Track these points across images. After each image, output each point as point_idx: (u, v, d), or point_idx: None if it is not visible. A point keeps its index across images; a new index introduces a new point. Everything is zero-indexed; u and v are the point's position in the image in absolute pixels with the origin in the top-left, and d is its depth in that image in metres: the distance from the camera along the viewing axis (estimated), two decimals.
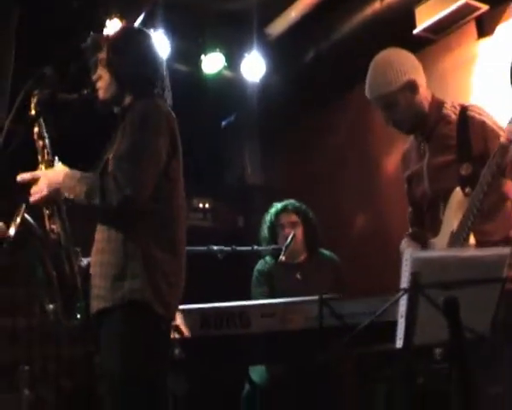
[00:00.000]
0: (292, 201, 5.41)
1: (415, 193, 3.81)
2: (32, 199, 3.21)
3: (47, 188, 3.18)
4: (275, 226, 5.30)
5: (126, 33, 3.61)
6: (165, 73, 3.45)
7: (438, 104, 3.71)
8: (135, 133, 3.12)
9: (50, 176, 3.22)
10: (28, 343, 7.05)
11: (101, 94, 3.37)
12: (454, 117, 3.63)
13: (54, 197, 3.22)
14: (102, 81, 3.36)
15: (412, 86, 3.63)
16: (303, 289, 4.70)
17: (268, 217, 5.39)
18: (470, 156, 3.49)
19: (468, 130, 3.55)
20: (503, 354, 3.26)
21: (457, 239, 3.41)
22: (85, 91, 3.39)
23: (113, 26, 5.84)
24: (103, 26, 5.84)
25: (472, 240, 3.38)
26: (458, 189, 3.48)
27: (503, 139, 3.25)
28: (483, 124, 3.51)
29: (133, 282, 3.04)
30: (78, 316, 3.20)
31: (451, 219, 3.49)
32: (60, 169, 3.23)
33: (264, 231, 5.35)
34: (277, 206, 5.40)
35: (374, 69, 3.72)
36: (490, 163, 3.28)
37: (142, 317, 3.06)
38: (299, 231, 5.22)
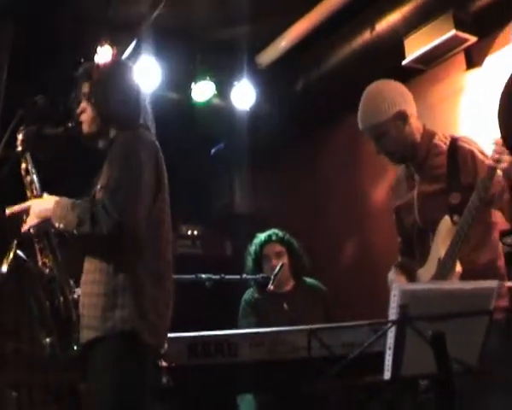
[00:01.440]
0: (275, 230, 5.36)
1: (405, 224, 3.83)
2: (22, 228, 3.23)
3: (36, 217, 3.20)
4: (259, 258, 5.26)
5: (108, 68, 3.58)
6: (147, 105, 3.48)
7: (429, 135, 3.74)
8: (122, 164, 3.14)
9: (40, 205, 3.23)
10: (16, 369, 7.02)
11: (84, 128, 3.38)
12: (444, 147, 3.66)
13: (44, 226, 3.23)
14: (86, 115, 3.37)
15: (403, 116, 3.66)
16: (290, 319, 4.71)
17: (252, 248, 5.34)
18: (459, 186, 3.52)
19: (458, 160, 3.58)
20: (495, 383, 3.27)
21: (444, 266, 3.44)
22: (70, 125, 3.39)
23: (103, 53, 5.87)
24: (94, 52, 5.86)
25: (458, 267, 3.41)
26: (447, 217, 3.51)
27: (489, 161, 3.29)
28: (472, 154, 3.54)
29: (123, 311, 3.04)
30: (75, 347, 3.19)
31: (439, 246, 3.52)
32: (50, 198, 3.25)
33: (249, 262, 5.30)
34: (261, 237, 5.36)
35: (365, 100, 3.76)
36: (478, 186, 3.32)
37: (132, 347, 3.05)
38: (285, 260, 5.17)
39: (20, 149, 3.35)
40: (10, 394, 6.07)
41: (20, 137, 3.35)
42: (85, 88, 3.39)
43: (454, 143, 3.65)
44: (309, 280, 5.32)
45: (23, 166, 3.36)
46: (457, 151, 3.61)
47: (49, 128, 3.40)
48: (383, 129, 3.66)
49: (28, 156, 3.38)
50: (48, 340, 3.19)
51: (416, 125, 3.72)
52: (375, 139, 3.71)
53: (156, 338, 3.13)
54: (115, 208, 3.00)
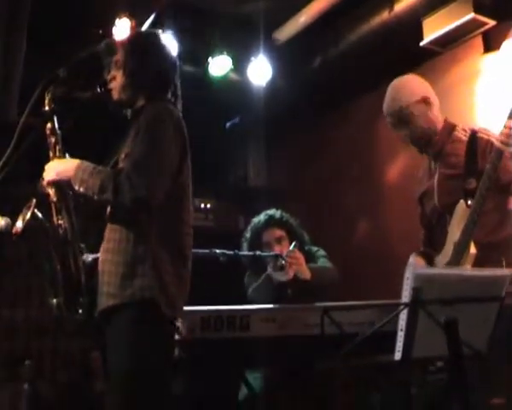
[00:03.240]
0: (271, 213, 5.01)
1: (426, 211, 3.91)
2: (41, 183, 3.28)
3: (56, 174, 3.25)
4: (258, 245, 4.84)
5: (144, 37, 3.64)
6: (177, 77, 3.49)
7: (450, 126, 3.87)
8: (149, 136, 3.16)
9: (61, 164, 3.28)
10: (26, 336, 7.09)
11: (115, 94, 3.40)
12: (464, 138, 3.78)
13: (63, 186, 3.27)
14: (116, 82, 3.39)
15: (427, 101, 3.82)
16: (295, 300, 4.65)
17: (249, 235, 4.98)
18: (476, 172, 3.60)
19: (477, 148, 3.69)
20: (504, 367, 3.32)
21: (459, 249, 3.52)
22: (99, 90, 3.42)
23: (122, 26, 5.88)
24: (112, 24, 5.87)
25: (473, 249, 3.49)
26: (462, 201, 3.58)
27: (497, 143, 3.35)
28: (491, 144, 3.59)
29: (143, 280, 3.08)
30: (80, 311, 3.22)
31: (455, 230, 3.61)
32: (71, 161, 3.28)
33: (246, 248, 4.92)
34: (258, 222, 4.99)
35: (391, 88, 3.93)
36: (487, 169, 3.44)
37: (151, 316, 3.10)
38: (286, 246, 4.82)
39: (47, 108, 3.37)
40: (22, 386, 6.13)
41: (48, 96, 3.35)
42: (117, 57, 3.40)
43: (474, 134, 3.76)
44: (314, 249, 5.00)
45: (48, 125, 3.37)
46: (477, 141, 3.71)
47: (77, 92, 3.42)
48: (408, 112, 3.78)
49: (54, 117, 3.39)
50: (55, 301, 3.22)
51: (437, 115, 3.86)
52: (401, 124, 3.80)
53: (173, 310, 3.16)
54: (140, 182, 3.03)
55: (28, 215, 3.18)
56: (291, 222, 4.99)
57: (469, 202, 3.54)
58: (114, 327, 3.13)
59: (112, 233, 3.24)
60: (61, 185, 3.28)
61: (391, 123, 3.89)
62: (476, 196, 3.47)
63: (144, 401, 3.06)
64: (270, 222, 4.96)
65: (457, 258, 3.52)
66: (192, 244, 3.37)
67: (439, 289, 2.64)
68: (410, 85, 3.89)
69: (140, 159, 3.11)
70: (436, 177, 3.83)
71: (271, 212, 5.02)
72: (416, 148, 3.95)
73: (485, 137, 3.69)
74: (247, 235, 5.00)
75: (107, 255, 3.22)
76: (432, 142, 3.84)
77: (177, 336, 3.61)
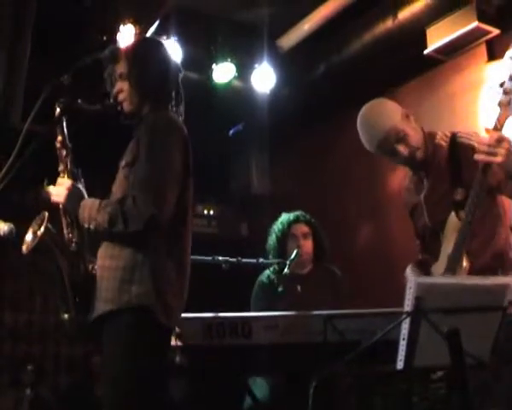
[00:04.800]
0: (302, 212, 5.38)
1: (418, 225, 3.87)
2: (52, 198, 3.29)
3: (63, 203, 3.26)
4: (286, 236, 5.23)
5: (147, 44, 3.63)
6: (181, 86, 3.50)
7: (430, 135, 3.78)
8: (152, 151, 3.16)
9: (69, 200, 3.26)
10: (28, 340, 7.12)
11: (126, 106, 3.39)
12: (445, 145, 3.70)
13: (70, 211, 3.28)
14: (124, 94, 3.38)
15: (408, 115, 3.74)
16: (301, 302, 4.75)
17: (279, 226, 5.31)
18: (463, 182, 3.54)
19: (460, 156, 3.62)
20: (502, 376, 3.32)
21: (453, 261, 3.46)
22: (107, 102, 3.42)
23: (126, 32, 5.89)
24: (116, 31, 5.89)
25: (465, 262, 3.44)
26: (453, 214, 3.54)
27: (482, 157, 3.28)
28: (472, 149, 3.51)
29: (140, 287, 3.09)
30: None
31: (449, 243, 3.54)
32: (76, 197, 3.27)
33: (273, 240, 5.27)
34: (288, 216, 5.33)
35: (368, 118, 3.83)
36: (474, 185, 3.33)
37: (146, 323, 3.10)
38: (309, 243, 5.22)
39: (57, 120, 3.35)
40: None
41: (57, 108, 3.35)
42: (120, 68, 3.40)
43: (454, 139, 3.69)
44: (326, 265, 5.30)
45: (59, 138, 3.36)
46: (458, 148, 3.64)
47: (86, 104, 3.40)
48: (398, 129, 3.68)
49: (64, 129, 3.37)
50: (66, 316, 3.23)
51: (417, 126, 3.77)
52: (396, 143, 3.70)
53: (169, 319, 3.15)
54: (147, 200, 3.03)
55: (42, 230, 3.18)
56: (317, 225, 5.37)
57: (460, 214, 3.48)
58: (110, 332, 3.14)
59: (111, 240, 3.24)
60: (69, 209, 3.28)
61: (385, 150, 3.77)
62: (467, 207, 3.37)
63: (139, 406, 3.08)
64: (300, 217, 5.32)
65: (451, 270, 3.47)
66: (190, 261, 3.36)
67: (441, 298, 2.64)
68: (386, 108, 3.79)
69: (145, 177, 3.11)
70: (423, 194, 3.77)
71: (301, 212, 5.39)
72: (411, 168, 3.88)
73: (466, 141, 3.62)
74: (276, 228, 5.32)
75: (104, 261, 3.22)
76: (420, 160, 3.74)
77: (179, 343, 3.62)
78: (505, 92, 3.20)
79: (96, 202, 3.19)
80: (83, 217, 3.19)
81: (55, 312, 3.47)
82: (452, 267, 3.46)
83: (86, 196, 3.29)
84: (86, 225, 3.19)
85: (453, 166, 3.62)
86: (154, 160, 3.14)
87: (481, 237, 3.51)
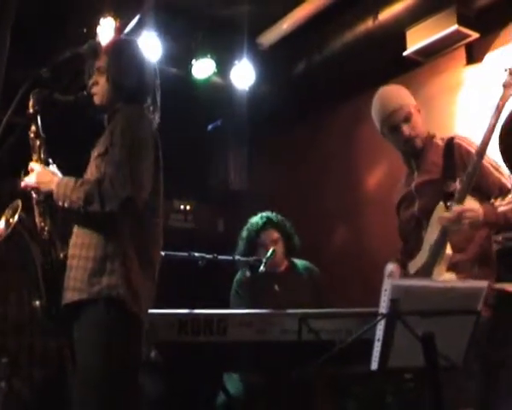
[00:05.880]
0: (268, 215, 5.30)
1: (403, 218, 3.92)
2: (23, 184, 3.29)
3: (37, 182, 3.27)
4: (255, 244, 5.17)
5: (127, 44, 3.66)
6: (158, 87, 3.53)
7: (430, 135, 3.93)
8: (127, 138, 3.18)
9: (43, 176, 3.28)
10: (3, 333, 7.06)
11: (97, 99, 3.43)
12: (442, 145, 3.83)
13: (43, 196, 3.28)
14: (99, 87, 3.42)
15: (420, 110, 3.92)
16: (280, 301, 4.76)
17: (246, 233, 5.25)
18: (454, 176, 3.63)
19: (454, 153, 3.73)
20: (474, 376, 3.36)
21: (436, 250, 3.57)
22: (80, 94, 3.44)
23: (106, 25, 5.87)
24: (97, 23, 5.86)
25: (449, 250, 3.55)
26: (441, 204, 3.61)
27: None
28: (469, 152, 3.65)
29: (110, 278, 3.10)
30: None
31: (433, 232, 3.62)
32: (52, 175, 3.29)
33: (242, 247, 5.19)
34: (256, 223, 5.26)
35: (386, 91, 4.00)
36: (472, 158, 3.53)
37: (118, 313, 3.11)
38: (280, 247, 5.16)
39: (31, 111, 3.38)
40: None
41: (32, 99, 3.37)
42: (99, 62, 3.43)
43: (451, 139, 3.81)
44: (300, 262, 5.30)
45: (33, 128, 3.38)
46: (454, 146, 3.77)
47: (60, 95, 3.43)
48: (409, 110, 3.85)
49: (38, 120, 3.39)
50: (38, 303, 3.23)
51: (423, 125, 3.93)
52: (403, 121, 3.83)
53: (140, 309, 3.17)
54: (125, 181, 3.06)
55: (15, 218, 3.18)
56: (285, 224, 5.29)
57: (448, 204, 3.57)
58: (81, 323, 3.15)
59: (82, 229, 3.25)
60: (41, 192, 3.29)
61: (391, 124, 3.88)
62: (456, 196, 3.51)
63: (112, 396, 3.08)
64: (268, 224, 5.23)
65: (434, 258, 3.56)
66: (160, 256, 3.39)
67: (416, 300, 2.66)
68: (404, 90, 3.97)
69: (121, 160, 3.13)
70: (414, 183, 3.86)
71: (269, 214, 5.30)
72: (403, 154, 3.97)
73: (464, 144, 3.75)
74: (244, 234, 5.24)
75: (75, 250, 3.23)
76: (417, 148, 3.87)
77: (152, 339, 3.62)
78: (511, 73, 3.51)
79: (72, 179, 3.20)
80: (57, 194, 3.19)
81: (29, 303, 3.45)
82: (436, 254, 3.56)
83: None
84: (61, 203, 3.19)
85: (447, 161, 3.74)
86: (129, 146, 3.16)
87: (463, 236, 3.59)
